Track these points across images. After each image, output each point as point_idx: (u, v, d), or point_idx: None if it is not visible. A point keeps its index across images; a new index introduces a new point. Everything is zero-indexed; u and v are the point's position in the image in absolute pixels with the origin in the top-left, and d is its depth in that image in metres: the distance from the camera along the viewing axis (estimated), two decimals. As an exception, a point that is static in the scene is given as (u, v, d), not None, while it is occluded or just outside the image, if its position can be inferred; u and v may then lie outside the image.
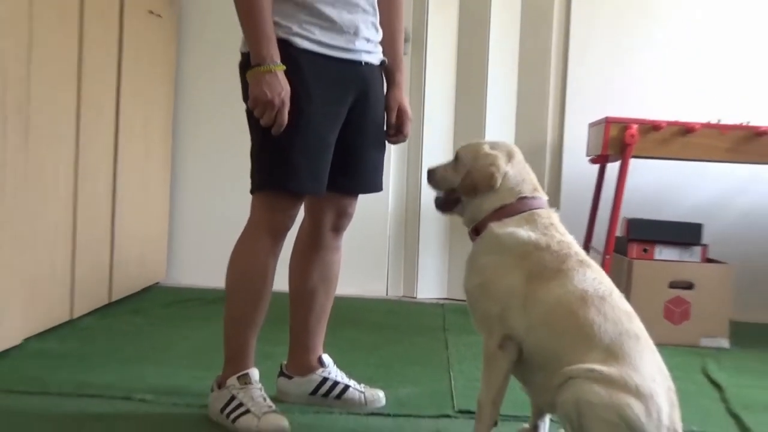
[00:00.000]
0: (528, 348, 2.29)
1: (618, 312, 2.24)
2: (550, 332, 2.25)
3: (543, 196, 2.48)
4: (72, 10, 3.68)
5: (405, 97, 2.87)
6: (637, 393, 2.10)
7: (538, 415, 2.55)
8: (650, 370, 2.17)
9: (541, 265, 2.31)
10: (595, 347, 2.17)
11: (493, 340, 2.33)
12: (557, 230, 2.39)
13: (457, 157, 2.54)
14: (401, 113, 2.84)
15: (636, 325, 2.26)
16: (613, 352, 2.16)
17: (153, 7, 4.64)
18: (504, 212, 2.42)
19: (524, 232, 2.36)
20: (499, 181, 2.43)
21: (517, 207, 2.42)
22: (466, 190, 2.48)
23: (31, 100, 3.28)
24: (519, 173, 2.47)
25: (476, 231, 2.47)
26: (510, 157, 2.48)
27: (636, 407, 2.09)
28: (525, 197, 2.44)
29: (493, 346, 2.33)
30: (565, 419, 2.19)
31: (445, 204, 2.60)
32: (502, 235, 2.38)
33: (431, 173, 2.61)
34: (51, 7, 3.44)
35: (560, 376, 2.17)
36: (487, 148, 2.49)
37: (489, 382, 2.35)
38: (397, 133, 2.86)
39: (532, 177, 2.50)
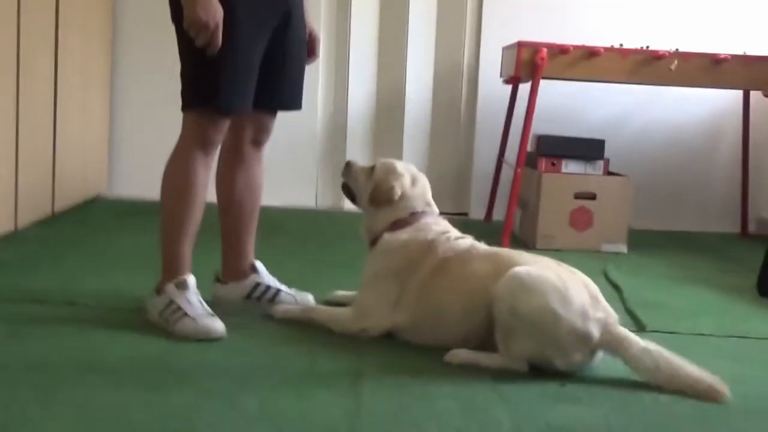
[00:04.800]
0: (413, 324, 2.49)
1: (477, 252, 2.51)
2: (430, 298, 2.47)
3: (434, 210, 2.69)
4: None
5: (312, 20, 2.84)
6: (538, 266, 2.35)
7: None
8: (525, 257, 2.44)
9: (415, 258, 2.53)
10: (471, 280, 2.42)
11: (353, 325, 2.55)
12: (438, 226, 2.62)
13: (373, 168, 2.73)
14: (311, 37, 2.83)
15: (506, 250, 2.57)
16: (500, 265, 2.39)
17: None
18: (396, 225, 2.62)
19: (406, 236, 2.58)
20: (396, 196, 2.62)
21: (408, 221, 2.62)
22: (371, 199, 2.68)
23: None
24: (414, 195, 2.67)
25: (373, 243, 2.67)
26: (414, 181, 2.69)
27: (551, 278, 2.27)
28: (415, 212, 2.64)
29: (351, 329, 2.54)
30: (499, 318, 2.29)
31: (347, 191, 2.83)
32: (390, 241, 2.59)
33: (349, 166, 2.81)
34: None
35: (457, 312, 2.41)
36: (399, 168, 2.69)
37: (323, 319, 2.62)
38: (309, 54, 2.84)
39: (427, 197, 2.70)
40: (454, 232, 2.62)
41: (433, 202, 2.71)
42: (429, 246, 2.54)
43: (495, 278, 2.33)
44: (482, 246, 2.57)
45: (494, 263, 2.41)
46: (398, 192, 2.63)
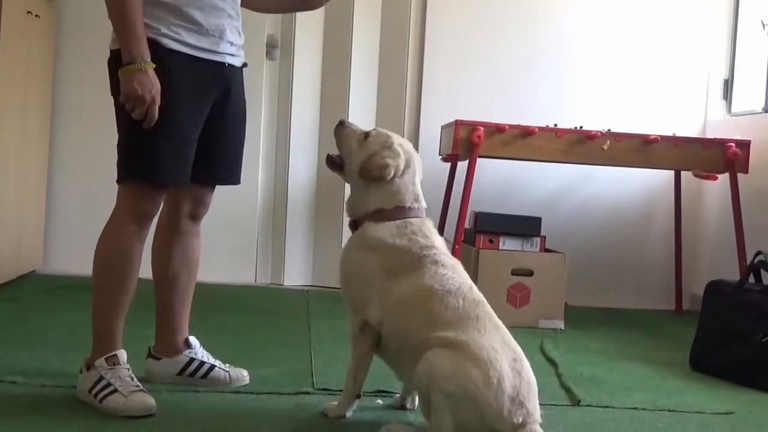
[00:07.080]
0: (384, 334, 2.40)
1: (463, 301, 2.32)
2: (399, 319, 2.36)
3: (421, 206, 2.52)
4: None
5: None
6: (477, 360, 2.15)
7: (408, 391, 2.64)
8: (489, 340, 2.23)
9: (399, 266, 2.39)
10: (437, 328, 2.26)
11: (355, 324, 2.46)
12: (423, 236, 2.44)
13: (368, 135, 2.54)
14: None
15: (482, 309, 2.35)
16: (453, 329, 2.25)
17: (31, 7, 4.43)
18: (381, 216, 2.47)
19: (390, 239, 2.42)
20: (389, 176, 2.45)
21: (393, 214, 2.46)
22: (361, 171, 2.49)
23: None
24: (405, 184, 2.49)
25: (355, 225, 2.53)
26: (407, 165, 2.50)
27: (474, 375, 2.13)
28: (402, 206, 2.47)
29: (355, 329, 2.47)
30: (420, 392, 2.26)
31: (332, 162, 2.61)
32: (372, 237, 2.45)
33: (342, 125, 2.61)
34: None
35: (412, 352, 2.26)
36: (395, 145, 2.50)
37: (352, 358, 2.50)
38: None
39: (416, 188, 2.52)
40: (438, 241, 2.48)
41: (421, 196, 2.54)
42: (418, 262, 2.39)
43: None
44: (466, 281, 2.43)
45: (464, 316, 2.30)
46: (391, 172, 2.45)
